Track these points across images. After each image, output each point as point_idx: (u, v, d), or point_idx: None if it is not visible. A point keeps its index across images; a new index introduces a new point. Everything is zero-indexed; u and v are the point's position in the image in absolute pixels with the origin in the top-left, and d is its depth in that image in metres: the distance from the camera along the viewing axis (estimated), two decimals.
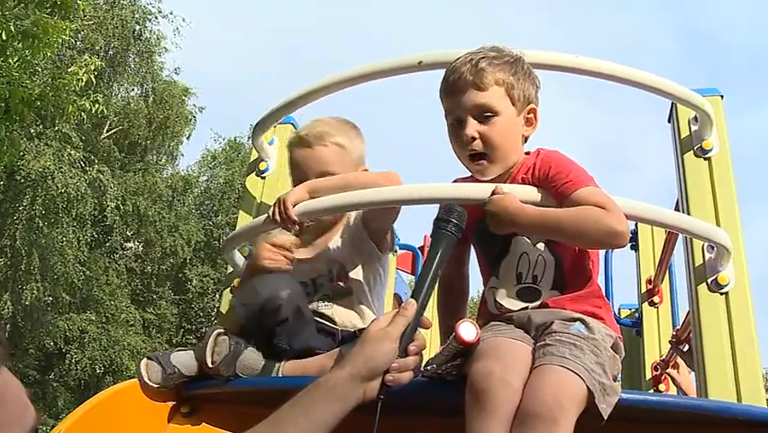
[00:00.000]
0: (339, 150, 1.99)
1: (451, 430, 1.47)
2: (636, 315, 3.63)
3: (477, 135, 1.71)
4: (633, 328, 3.61)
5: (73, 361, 17.69)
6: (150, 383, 1.81)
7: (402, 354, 1.32)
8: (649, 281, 3.48)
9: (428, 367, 1.55)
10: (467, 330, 1.46)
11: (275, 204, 1.92)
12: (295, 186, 2.00)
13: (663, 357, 3.27)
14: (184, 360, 1.84)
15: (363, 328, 1.87)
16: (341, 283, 1.95)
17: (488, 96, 1.71)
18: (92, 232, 17.41)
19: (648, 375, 3.35)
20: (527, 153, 1.80)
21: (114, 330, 18.31)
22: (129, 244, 20.73)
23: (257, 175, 2.52)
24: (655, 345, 3.40)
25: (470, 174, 1.83)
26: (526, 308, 1.68)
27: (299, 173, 2.02)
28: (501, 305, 1.71)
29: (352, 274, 1.95)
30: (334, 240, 1.99)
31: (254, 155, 2.57)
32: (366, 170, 2.05)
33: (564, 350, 1.46)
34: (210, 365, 1.76)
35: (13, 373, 0.97)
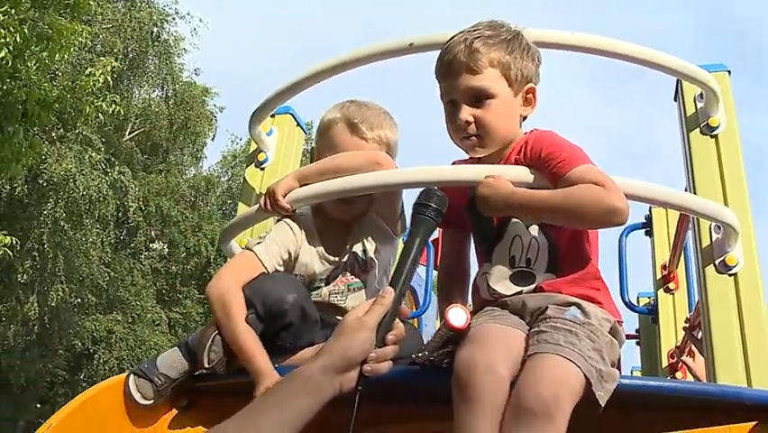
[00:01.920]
0: (386, 150, 1.93)
1: (443, 418, 1.44)
2: (652, 302, 3.55)
3: (471, 120, 1.67)
4: (649, 316, 3.54)
5: (101, 361, 17.92)
6: (144, 402, 1.78)
7: (380, 344, 1.26)
8: (664, 267, 3.40)
9: (420, 354, 1.51)
10: (456, 316, 1.43)
11: (265, 194, 1.90)
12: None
13: (679, 344, 3.19)
14: (170, 361, 1.81)
15: None
16: (366, 271, 1.90)
17: (482, 78, 1.66)
18: (115, 233, 17.62)
19: (665, 363, 3.27)
20: (525, 134, 1.75)
21: (140, 330, 18.52)
22: (154, 245, 20.95)
23: (256, 166, 2.50)
24: (671, 333, 3.31)
25: (468, 156, 1.79)
26: (521, 292, 1.63)
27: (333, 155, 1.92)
28: (495, 290, 1.66)
29: (374, 259, 1.90)
30: (356, 227, 1.94)
31: (253, 146, 2.54)
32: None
33: (559, 337, 1.41)
34: (207, 365, 1.74)
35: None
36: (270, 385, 1.59)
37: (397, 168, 1.86)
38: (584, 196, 1.53)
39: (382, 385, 1.26)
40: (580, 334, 1.43)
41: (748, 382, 1.78)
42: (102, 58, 11.24)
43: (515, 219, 1.66)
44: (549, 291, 1.60)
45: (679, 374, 3.21)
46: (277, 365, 1.67)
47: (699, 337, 2.88)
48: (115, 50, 16.53)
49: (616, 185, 1.55)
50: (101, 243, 16.24)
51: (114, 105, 9.49)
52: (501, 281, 1.65)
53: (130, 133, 19.40)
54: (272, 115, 2.49)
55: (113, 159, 16.67)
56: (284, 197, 1.87)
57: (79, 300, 16.92)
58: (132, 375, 1.81)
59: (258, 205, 1.94)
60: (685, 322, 3.06)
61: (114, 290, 18.09)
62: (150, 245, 20.74)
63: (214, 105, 21.38)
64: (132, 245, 19.32)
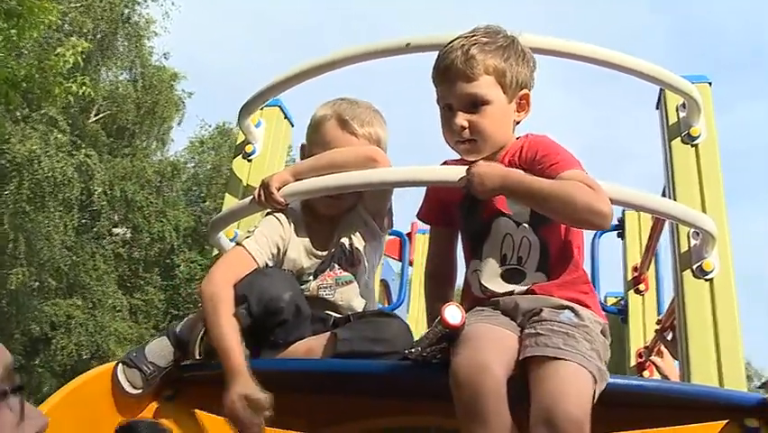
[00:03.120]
0: (376, 146, 1.94)
1: (435, 413, 1.48)
2: (622, 302, 3.64)
3: (466, 125, 1.70)
4: (619, 316, 3.63)
5: (59, 346, 17.59)
6: (134, 391, 1.79)
7: None
8: (635, 269, 3.50)
9: (413, 350, 1.55)
10: (452, 313, 1.46)
11: (259, 187, 1.91)
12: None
13: (648, 344, 3.28)
14: (158, 350, 1.82)
15: (359, 312, 1.88)
16: (353, 265, 1.91)
17: (477, 85, 1.70)
18: (79, 217, 17.29)
19: (632, 362, 3.37)
20: (518, 138, 1.80)
21: (100, 316, 18.22)
22: (117, 230, 20.61)
23: (243, 158, 2.50)
24: (640, 333, 3.41)
25: (459, 157, 1.82)
26: (512, 292, 1.67)
27: (324, 151, 1.94)
28: (486, 287, 1.69)
29: (361, 255, 1.92)
30: (343, 221, 1.96)
31: (241, 138, 2.55)
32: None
33: (558, 340, 1.46)
34: (198, 357, 1.76)
35: None
36: (241, 383, 1.62)
37: (390, 164, 1.89)
38: (575, 191, 1.58)
39: (374, 379, 1.29)
40: (577, 336, 1.48)
41: (720, 383, 1.86)
42: (71, 38, 10.98)
43: (504, 217, 1.70)
44: (541, 294, 1.64)
45: (646, 373, 3.30)
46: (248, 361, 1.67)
47: (669, 339, 2.97)
48: (85, 30, 16.18)
49: (603, 191, 1.61)
50: (64, 226, 15.92)
51: (83, 87, 9.30)
52: (493, 279, 1.69)
53: (96, 116, 19.03)
54: (261, 108, 2.50)
55: (78, 141, 16.33)
56: (278, 190, 1.88)
57: (38, 284, 16.58)
58: (120, 364, 1.82)
59: (251, 197, 1.95)
60: (657, 324, 3.15)
61: (75, 275, 17.76)
62: (114, 230, 20.40)
63: (183, 91, 21.11)
64: (95, 229, 18.98)
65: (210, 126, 24.16)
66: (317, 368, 1.69)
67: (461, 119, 1.70)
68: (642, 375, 3.32)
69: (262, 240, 1.86)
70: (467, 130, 1.70)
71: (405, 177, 1.77)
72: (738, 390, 1.78)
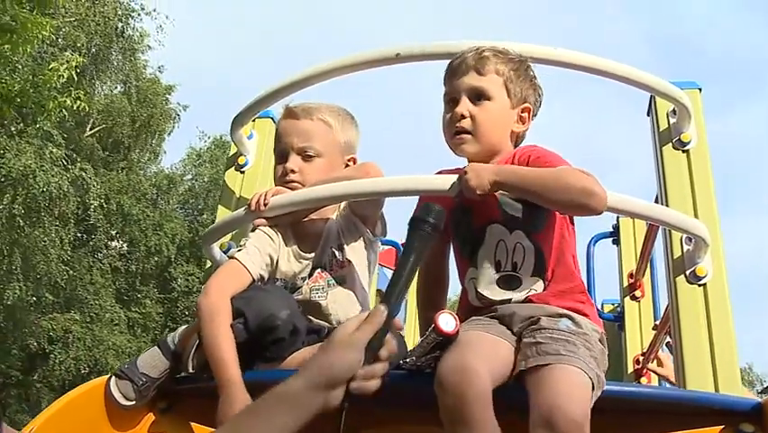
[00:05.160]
0: (325, 127, 1.97)
1: (428, 422, 1.47)
2: (618, 309, 3.64)
3: (467, 114, 1.75)
4: (615, 323, 3.62)
5: (57, 361, 17.52)
6: (127, 403, 1.78)
7: (370, 361, 1.24)
8: (631, 276, 3.49)
9: (407, 359, 1.54)
10: (446, 321, 1.46)
11: (254, 196, 1.91)
12: (276, 159, 1.99)
13: (644, 351, 3.27)
14: (150, 361, 1.82)
15: None
16: (343, 266, 1.92)
17: (485, 80, 1.77)
18: (75, 231, 17.25)
19: (630, 369, 3.36)
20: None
21: (98, 330, 18.16)
22: (113, 243, 20.57)
23: (236, 169, 2.50)
24: (637, 339, 3.40)
25: (454, 167, 1.83)
26: (509, 300, 1.67)
27: (281, 145, 1.99)
28: (483, 295, 1.69)
29: (350, 258, 1.92)
30: (330, 223, 1.96)
31: (233, 150, 2.55)
32: (354, 158, 2.02)
33: (558, 347, 1.46)
34: (191, 370, 1.76)
35: None
36: (236, 394, 1.62)
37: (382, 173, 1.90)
38: (569, 175, 1.61)
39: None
40: (577, 343, 1.49)
41: (716, 388, 1.85)
42: (66, 52, 11.00)
43: (496, 224, 1.71)
44: (538, 303, 1.64)
45: (644, 380, 3.30)
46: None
47: (667, 342, 2.96)
48: (79, 45, 16.19)
49: (596, 177, 1.62)
50: (60, 240, 15.88)
51: (78, 102, 9.30)
52: (489, 286, 1.69)
53: (91, 130, 19.02)
54: (253, 120, 2.50)
55: (74, 155, 16.31)
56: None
57: (36, 299, 16.52)
58: (113, 377, 1.82)
59: (244, 207, 1.95)
60: (653, 329, 3.15)
61: (71, 289, 17.70)
62: (110, 243, 20.36)
63: (178, 104, 21.13)
64: (91, 243, 18.94)
65: (208, 138, 24.19)
66: None
67: (464, 107, 1.75)
68: (640, 382, 3.31)
69: (254, 252, 1.86)
70: (467, 119, 1.75)
71: (395, 186, 1.77)
72: (734, 395, 1.78)
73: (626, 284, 3.52)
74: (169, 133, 21.36)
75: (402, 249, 1.28)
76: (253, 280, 1.83)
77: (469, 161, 1.77)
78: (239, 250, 1.87)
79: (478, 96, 1.76)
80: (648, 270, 3.42)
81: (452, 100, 1.79)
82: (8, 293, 15.10)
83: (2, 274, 15.10)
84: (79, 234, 18.18)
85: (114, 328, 18.90)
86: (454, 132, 1.76)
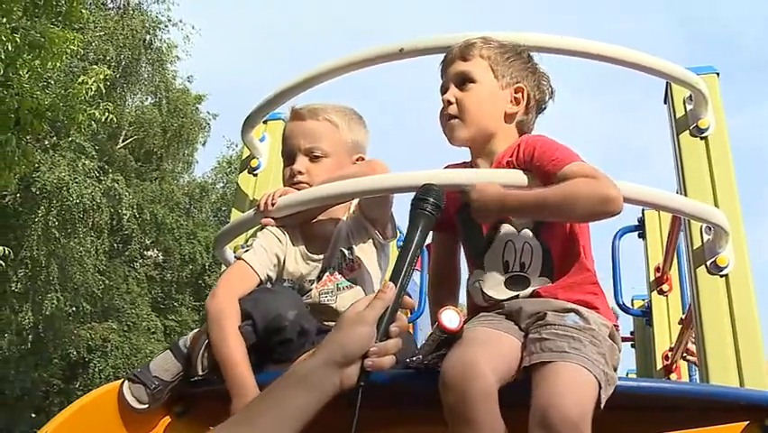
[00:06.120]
0: (331, 127, 1.96)
1: (436, 422, 1.44)
2: (646, 304, 3.55)
3: (453, 100, 1.75)
4: (643, 318, 3.54)
5: (96, 369, 17.81)
6: (140, 406, 1.78)
7: (382, 338, 1.23)
8: (657, 269, 3.41)
9: (414, 358, 1.52)
10: (450, 318, 1.43)
11: (262, 197, 1.91)
12: (284, 161, 1.99)
13: (673, 346, 3.19)
14: (163, 364, 1.81)
15: None
16: (353, 269, 1.90)
17: (469, 65, 1.77)
18: (110, 241, 17.54)
19: (659, 365, 3.28)
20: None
21: (135, 338, 18.43)
22: (149, 253, 20.88)
23: (249, 172, 2.50)
24: (666, 334, 3.32)
25: (461, 161, 1.81)
26: (517, 296, 1.63)
27: (288, 147, 1.99)
28: (489, 296, 1.66)
29: (361, 259, 1.91)
30: (339, 225, 1.95)
31: (246, 152, 2.55)
32: (362, 158, 2.01)
33: (563, 344, 1.42)
34: (201, 372, 1.75)
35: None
36: (247, 394, 1.60)
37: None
38: (578, 188, 1.55)
39: (376, 389, 1.26)
40: (583, 339, 1.44)
41: (740, 382, 1.79)
42: (95, 66, 11.20)
43: (505, 224, 1.67)
44: (546, 297, 1.60)
45: (673, 376, 3.22)
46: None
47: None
48: (108, 58, 16.49)
49: (606, 176, 1.58)
50: (95, 251, 16.17)
51: (106, 114, 9.46)
52: (496, 287, 1.66)
53: (123, 141, 19.35)
54: (265, 122, 2.50)
55: (106, 166, 16.61)
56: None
57: (74, 309, 16.83)
58: (126, 381, 1.82)
59: (254, 209, 1.95)
60: (678, 323, 3.07)
61: (108, 298, 18.01)
62: (145, 253, 20.67)
63: (208, 113, 21.39)
64: (126, 253, 19.24)
65: (237, 146, 24.41)
66: None
67: (450, 94, 1.76)
68: (669, 378, 3.23)
69: (261, 252, 1.86)
70: (453, 105, 1.75)
71: (401, 183, 1.75)
72: (759, 389, 1.71)
73: (652, 278, 3.44)
74: (204, 144, 21.64)
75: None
76: (261, 280, 1.83)
77: (471, 153, 1.74)
78: (246, 250, 1.86)
79: (462, 80, 1.76)
80: (675, 263, 3.34)
81: (443, 89, 1.79)
82: (47, 303, 15.42)
83: (40, 285, 15.43)
84: (114, 245, 18.48)
85: (151, 337, 19.16)
86: (444, 120, 1.75)
